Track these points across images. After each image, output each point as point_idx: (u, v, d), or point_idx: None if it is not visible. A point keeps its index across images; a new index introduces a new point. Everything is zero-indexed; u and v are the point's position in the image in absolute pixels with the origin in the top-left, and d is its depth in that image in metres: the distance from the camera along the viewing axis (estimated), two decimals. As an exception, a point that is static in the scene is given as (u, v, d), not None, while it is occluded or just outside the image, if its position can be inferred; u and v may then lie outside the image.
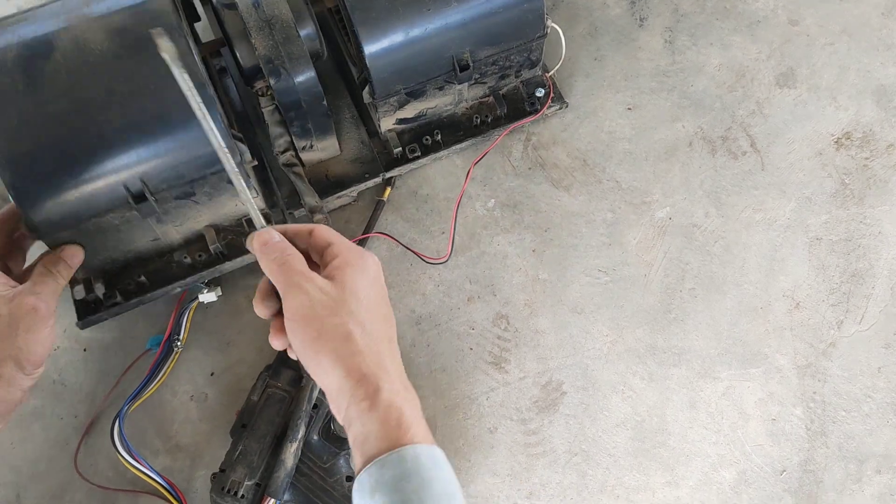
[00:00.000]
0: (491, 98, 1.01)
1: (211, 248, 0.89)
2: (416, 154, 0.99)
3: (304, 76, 0.84)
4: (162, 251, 0.90)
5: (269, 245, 0.64)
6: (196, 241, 0.90)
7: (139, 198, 0.79)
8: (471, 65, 0.92)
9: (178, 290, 0.90)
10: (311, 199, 0.91)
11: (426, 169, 1.03)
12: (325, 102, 0.86)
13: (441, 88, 0.95)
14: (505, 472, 0.89)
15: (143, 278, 0.89)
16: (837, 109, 1.04)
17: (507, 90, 1.02)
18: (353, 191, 0.98)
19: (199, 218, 0.87)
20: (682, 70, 1.07)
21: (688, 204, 1.01)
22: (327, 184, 0.97)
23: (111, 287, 0.88)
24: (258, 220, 0.65)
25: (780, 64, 1.07)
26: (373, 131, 1.00)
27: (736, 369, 0.93)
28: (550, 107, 1.02)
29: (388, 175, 0.99)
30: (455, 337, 0.95)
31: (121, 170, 0.77)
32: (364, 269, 0.65)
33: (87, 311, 0.87)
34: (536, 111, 1.02)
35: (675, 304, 0.96)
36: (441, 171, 1.03)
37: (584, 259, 0.99)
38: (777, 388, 0.92)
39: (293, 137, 0.90)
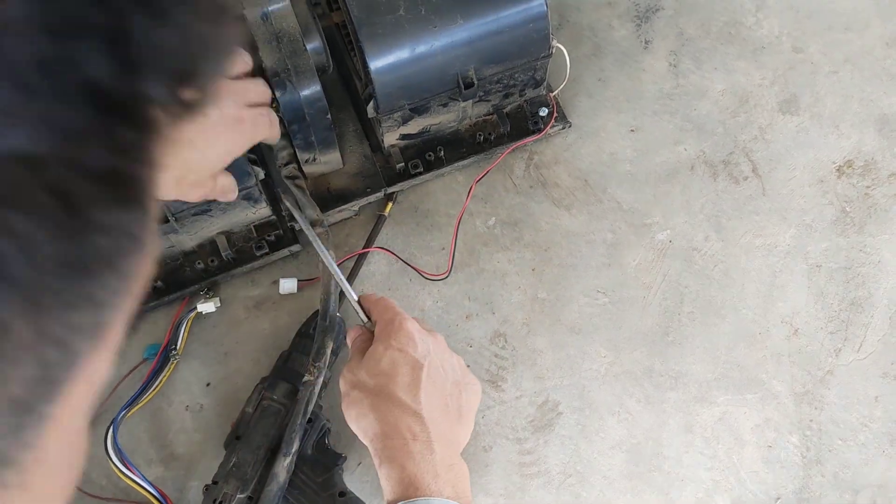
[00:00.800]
0: (494, 116, 1.01)
1: (223, 254, 0.94)
2: (418, 170, 1.00)
3: (310, 90, 0.84)
4: (175, 257, 0.95)
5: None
6: (208, 247, 0.96)
7: (162, 220, 0.87)
8: (475, 82, 0.92)
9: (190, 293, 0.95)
10: (312, 211, 0.91)
11: (428, 185, 1.03)
12: (329, 116, 0.87)
13: (445, 105, 0.95)
14: (498, 492, 0.89)
15: (159, 283, 0.93)
16: (840, 137, 1.05)
17: (510, 108, 1.02)
18: (355, 205, 0.98)
19: (212, 227, 0.93)
20: (686, 94, 1.08)
21: (688, 227, 1.01)
22: (329, 197, 0.97)
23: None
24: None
25: (783, 90, 1.07)
26: (376, 146, 1.01)
27: (732, 394, 0.93)
28: (553, 126, 1.02)
29: (389, 190, 0.99)
30: (455, 351, 0.95)
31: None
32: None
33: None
34: (540, 130, 1.02)
35: (672, 328, 0.96)
36: (443, 187, 1.03)
37: (583, 279, 0.99)
38: (773, 415, 0.92)
39: (296, 150, 0.90)
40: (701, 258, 0.99)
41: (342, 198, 0.97)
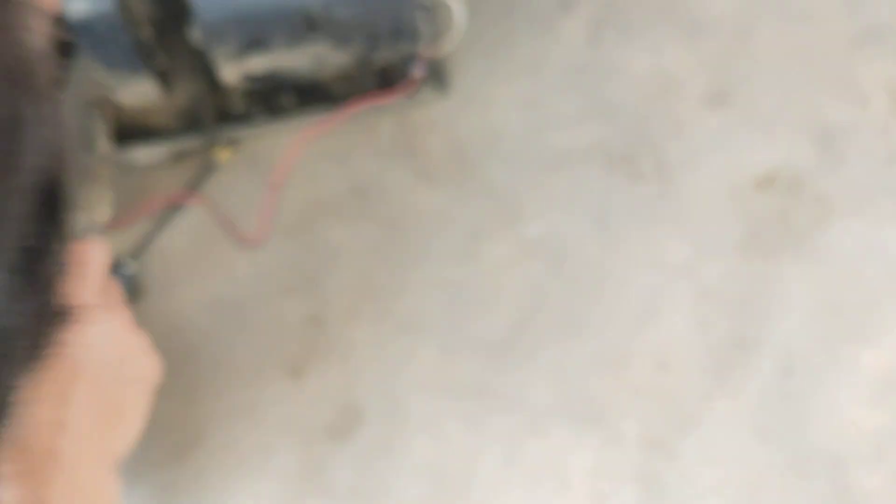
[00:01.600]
0: (359, 70, 0.86)
1: None
2: (257, 117, 0.85)
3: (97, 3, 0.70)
4: None
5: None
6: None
7: None
8: (322, 23, 0.77)
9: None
10: (102, 141, 0.78)
11: (280, 138, 0.89)
12: (128, 36, 0.73)
13: (292, 46, 0.81)
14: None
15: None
16: (768, 145, 0.88)
17: (383, 63, 0.87)
18: (169, 145, 0.84)
19: None
20: (601, 70, 0.91)
21: (566, 224, 0.85)
22: (137, 132, 0.83)
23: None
24: None
25: (713, 81, 0.90)
26: (218, 85, 0.87)
27: (571, 429, 0.78)
28: (420, 90, 0.87)
29: (218, 134, 0.85)
30: (258, 332, 0.82)
31: None
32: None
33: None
34: (412, 91, 0.87)
35: (521, 339, 0.81)
36: (295, 138, 0.89)
37: (429, 267, 0.84)
38: (613, 460, 0.77)
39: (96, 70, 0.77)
40: (572, 263, 0.84)
41: (155, 135, 0.84)
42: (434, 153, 0.89)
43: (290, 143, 0.87)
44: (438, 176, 0.88)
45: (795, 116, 0.89)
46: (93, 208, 0.79)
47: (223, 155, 0.87)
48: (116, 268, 0.81)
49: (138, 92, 0.80)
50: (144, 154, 0.85)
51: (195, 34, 0.78)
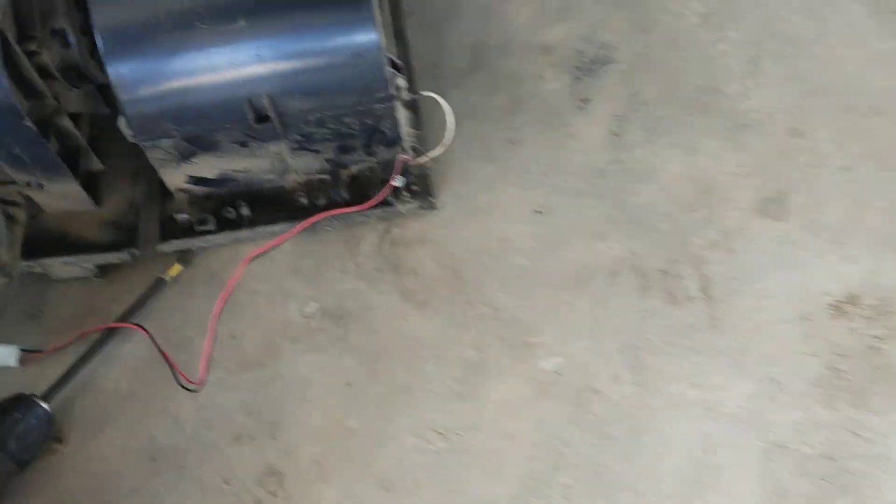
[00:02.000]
0: (329, 177, 0.73)
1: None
2: (205, 227, 0.71)
3: None
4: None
5: None
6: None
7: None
8: (272, 116, 0.65)
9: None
10: (3, 251, 0.64)
11: (239, 248, 0.74)
12: (29, 124, 0.61)
13: (244, 144, 0.68)
14: None
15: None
16: (843, 260, 0.71)
17: (358, 170, 0.73)
18: (86, 261, 0.71)
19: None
20: (626, 172, 0.77)
21: (591, 357, 0.68)
22: (55, 241, 0.70)
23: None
24: None
25: (766, 184, 0.75)
26: (165, 193, 0.74)
27: None
28: (401, 201, 0.73)
29: (138, 250, 0.73)
30: (198, 490, 0.65)
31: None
32: None
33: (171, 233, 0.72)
34: (390, 203, 0.73)
35: (534, 506, 0.62)
36: (262, 257, 0.74)
37: (418, 410, 0.67)
38: None
39: (10, 171, 0.65)
40: (601, 406, 0.66)
41: (73, 247, 0.70)
42: (424, 271, 0.73)
43: (243, 257, 0.73)
44: (429, 298, 0.71)
45: (873, 225, 0.72)
46: None
47: (172, 270, 0.73)
48: (22, 409, 0.64)
49: (67, 196, 0.68)
50: (63, 268, 0.70)
51: (125, 130, 0.65)
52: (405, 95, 0.68)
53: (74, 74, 0.67)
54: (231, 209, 0.72)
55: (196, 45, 0.62)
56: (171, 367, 0.67)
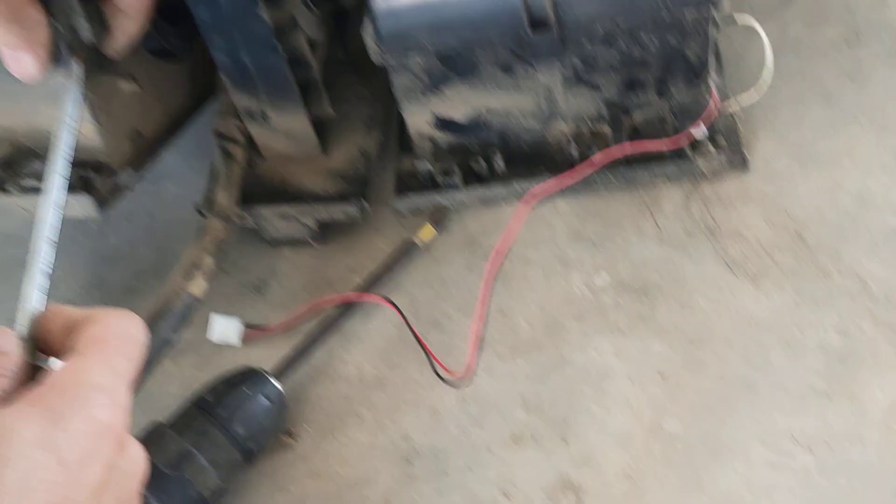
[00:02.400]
0: (607, 126, 0.57)
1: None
2: (450, 180, 0.57)
3: None
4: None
5: None
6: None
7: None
8: (551, 21, 0.50)
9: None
10: (220, 192, 0.53)
11: (504, 209, 0.59)
12: (265, 19, 0.49)
13: (507, 69, 0.54)
14: None
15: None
16: None
17: (644, 119, 0.57)
18: (310, 213, 0.58)
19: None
20: None
21: None
22: (276, 191, 0.58)
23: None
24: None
25: None
26: (403, 141, 0.61)
27: None
28: (708, 158, 0.56)
29: (368, 204, 0.58)
30: (469, 503, 0.48)
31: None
32: None
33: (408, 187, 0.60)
34: (680, 156, 0.56)
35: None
36: (538, 219, 0.59)
37: (765, 412, 0.48)
38: None
39: (231, 91, 0.54)
40: None
41: (293, 197, 0.58)
42: (752, 235, 0.55)
43: (506, 219, 0.58)
44: (765, 268, 0.53)
45: None
46: (189, 275, 0.52)
47: (424, 233, 0.59)
48: (252, 385, 0.51)
49: (291, 133, 0.56)
50: (279, 223, 0.58)
51: (370, 44, 0.53)
52: (725, 9, 0.52)
53: None
54: (481, 160, 0.58)
55: None
56: (428, 355, 0.52)
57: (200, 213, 0.57)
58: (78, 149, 0.51)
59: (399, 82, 0.55)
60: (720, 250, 0.55)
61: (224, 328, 0.57)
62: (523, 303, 0.55)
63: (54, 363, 0.34)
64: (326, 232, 0.60)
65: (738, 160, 0.57)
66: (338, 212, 0.59)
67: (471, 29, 0.52)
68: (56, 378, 0.32)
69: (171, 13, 0.52)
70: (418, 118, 0.58)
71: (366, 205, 0.58)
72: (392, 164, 0.62)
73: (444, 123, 0.58)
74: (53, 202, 0.38)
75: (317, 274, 0.60)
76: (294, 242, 0.61)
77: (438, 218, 0.59)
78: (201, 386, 0.51)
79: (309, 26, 0.57)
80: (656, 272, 0.55)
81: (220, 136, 0.57)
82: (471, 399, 0.52)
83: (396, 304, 0.56)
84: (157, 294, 0.53)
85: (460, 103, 0.57)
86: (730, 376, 0.50)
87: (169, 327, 0.52)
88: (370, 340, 0.56)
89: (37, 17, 0.46)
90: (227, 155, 0.57)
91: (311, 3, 0.57)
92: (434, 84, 0.55)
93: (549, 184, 0.57)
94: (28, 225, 0.37)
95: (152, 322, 0.51)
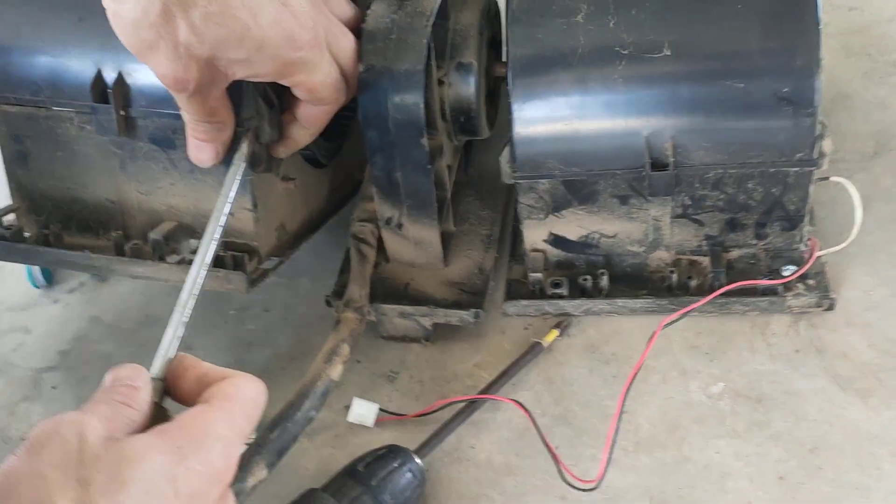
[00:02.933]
0: (706, 258, 0.63)
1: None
2: (558, 291, 0.64)
3: (409, 98, 0.56)
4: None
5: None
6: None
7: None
8: (670, 164, 0.58)
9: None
10: (355, 288, 0.59)
11: (620, 321, 0.65)
12: (424, 145, 0.57)
13: (623, 200, 0.61)
14: None
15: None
16: None
17: (739, 256, 0.64)
18: (430, 315, 0.64)
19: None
20: None
21: None
22: (398, 292, 0.65)
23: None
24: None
25: None
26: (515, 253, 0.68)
27: None
28: (797, 294, 0.62)
29: (509, 310, 0.65)
30: None
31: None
32: None
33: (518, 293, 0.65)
34: (775, 293, 0.62)
35: None
36: (642, 325, 0.64)
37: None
38: None
39: (377, 200, 0.62)
40: None
41: (415, 300, 0.64)
42: (857, 357, 0.60)
43: (620, 329, 0.63)
44: (873, 386, 0.58)
45: None
46: (329, 360, 0.57)
47: (549, 336, 0.64)
48: (398, 460, 0.55)
49: (422, 244, 0.63)
50: (397, 321, 0.64)
51: (505, 167, 0.60)
52: (824, 165, 0.59)
53: (459, 121, 0.64)
54: (588, 277, 0.64)
55: (607, 73, 0.56)
56: (556, 461, 0.56)
57: (329, 303, 0.64)
58: (234, 233, 0.60)
59: (524, 201, 0.62)
60: (829, 368, 0.60)
61: (362, 411, 0.61)
62: (644, 404, 0.59)
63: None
64: (440, 333, 0.66)
65: (826, 302, 0.62)
66: (455, 317, 0.64)
67: (598, 162, 0.59)
68: (183, 419, 0.37)
69: (326, 129, 0.61)
70: (535, 234, 0.64)
71: (482, 313, 0.64)
72: (505, 272, 0.68)
73: (557, 240, 0.64)
74: (202, 262, 0.45)
75: (446, 368, 0.65)
76: (407, 339, 0.66)
77: (562, 324, 0.65)
78: (354, 458, 0.56)
79: (448, 153, 0.65)
80: (769, 384, 0.59)
81: (357, 238, 0.64)
82: (598, 490, 0.55)
83: (523, 401, 0.60)
84: (301, 376, 0.58)
85: (576, 225, 0.63)
86: (845, 482, 0.53)
87: (311, 406, 0.56)
88: (498, 430, 0.60)
89: (227, 118, 0.54)
90: (362, 255, 0.64)
91: (452, 135, 0.65)
92: (556, 206, 0.62)
93: (678, 313, 0.60)
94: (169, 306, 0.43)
95: (297, 400, 0.55)
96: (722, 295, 0.61)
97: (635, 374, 0.56)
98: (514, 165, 0.60)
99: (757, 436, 0.57)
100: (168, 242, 0.61)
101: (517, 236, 0.69)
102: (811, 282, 0.63)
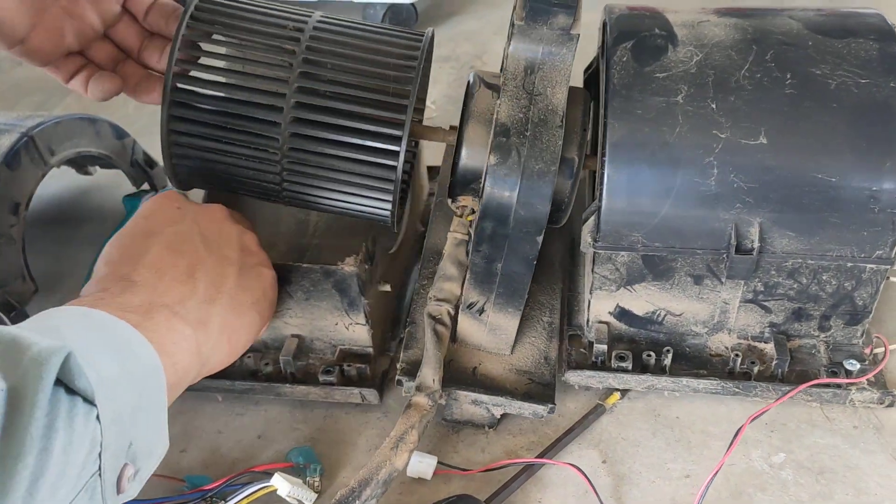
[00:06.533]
0: (766, 346, 0.66)
1: (282, 360, 0.68)
2: (623, 364, 0.65)
3: (537, 191, 0.56)
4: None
5: None
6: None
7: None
8: (757, 251, 0.59)
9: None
10: (429, 371, 0.60)
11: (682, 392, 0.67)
12: (538, 243, 0.58)
13: (698, 280, 0.63)
14: None
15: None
16: None
17: (800, 345, 0.66)
18: (503, 405, 0.64)
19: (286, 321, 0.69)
20: None
21: None
22: (467, 377, 0.65)
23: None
24: None
25: None
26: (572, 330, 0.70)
27: None
28: (861, 388, 0.64)
29: (570, 379, 0.66)
30: None
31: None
32: None
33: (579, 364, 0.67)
34: (839, 388, 0.64)
35: None
36: (703, 395, 0.66)
37: None
38: None
39: (468, 285, 0.62)
40: None
41: (485, 386, 0.64)
42: (913, 436, 0.62)
43: (733, 406, 0.64)
44: (930, 464, 0.60)
45: None
46: (396, 448, 0.57)
47: (611, 399, 0.66)
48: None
49: (497, 330, 0.64)
50: (467, 407, 0.64)
51: (586, 237, 0.62)
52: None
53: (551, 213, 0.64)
54: (651, 353, 0.65)
55: (703, 155, 0.57)
56: None
57: (400, 382, 0.63)
58: (349, 341, 0.68)
59: (600, 271, 0.63)
60: (886, 445, 0.61)
61: (423, 463, 0.62)
62: (708, 469, 0.61)
63: None
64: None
65: (888, 399, 0.64)
66: (529, 410, 0.63)
67: (681, 240, 0.60)
68: None
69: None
70: (603, 305, 0.65)
71: (553, 408, 0.63)
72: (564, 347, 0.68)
73: (623, 314, 0.66)
74: None
75: (510, 422, 0.66)
76: (471, 425, 0.66)
77: (623, 389, 0.67)
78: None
79: None
80: (830, 458, 0.61)
81: (434, 318, 0.63)
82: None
83: (587, 460, 0.61)
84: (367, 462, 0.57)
85: (645, 300, 0.64)
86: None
87: (371, 494, 0.55)
88: (563, 486, 0.61)
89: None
90: (437, 337, 0.62)
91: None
92: (630, 279, 0.63)
93: (768, 406, 0.62)
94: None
95: (359, 487, 0.55)
96: (783, 382, 0.64)
97: (717, 470, 0.57)
98: (597, 235, 0.61)
99: (819, 506, 0.58)
100: (297, 358, 0.68)
101: (572, 306, 0.71)
102: (872, 378, 0.64)
